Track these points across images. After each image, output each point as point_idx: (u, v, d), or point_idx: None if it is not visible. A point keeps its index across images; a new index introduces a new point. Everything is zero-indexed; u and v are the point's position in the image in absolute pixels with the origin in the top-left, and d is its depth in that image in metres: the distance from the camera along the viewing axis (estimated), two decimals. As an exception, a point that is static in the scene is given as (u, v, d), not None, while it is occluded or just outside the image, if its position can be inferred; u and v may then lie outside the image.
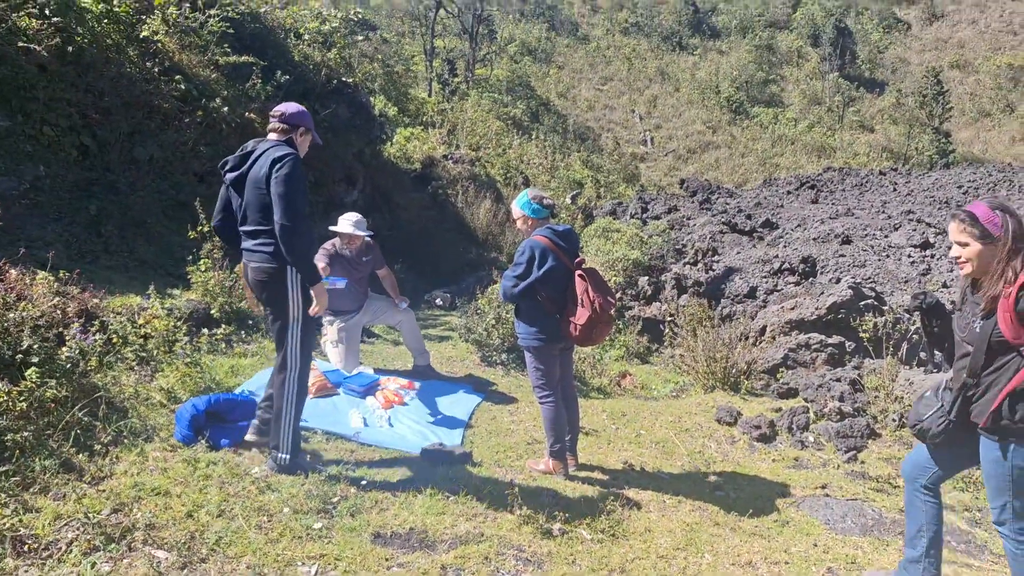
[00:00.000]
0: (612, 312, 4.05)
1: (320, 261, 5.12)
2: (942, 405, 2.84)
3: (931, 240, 11.21)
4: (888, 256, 10.73)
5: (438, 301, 9.21)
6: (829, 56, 42.79)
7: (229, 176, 3.48)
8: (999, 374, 2.62)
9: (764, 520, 4.16)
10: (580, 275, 3.98)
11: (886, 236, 11.87)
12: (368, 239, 5.66)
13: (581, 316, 3.88)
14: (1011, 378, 2.57)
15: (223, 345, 4.95)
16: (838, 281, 9.25)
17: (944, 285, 9.53)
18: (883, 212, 14.25)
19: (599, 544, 3.45)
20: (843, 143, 36.40)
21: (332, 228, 5.54)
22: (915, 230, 11.73)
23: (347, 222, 5.47)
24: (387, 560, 2.87)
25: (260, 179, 3.31)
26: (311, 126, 3.62)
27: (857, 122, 39.21)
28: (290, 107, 3.55)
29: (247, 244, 3.47)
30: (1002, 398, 2.57)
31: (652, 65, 43.95)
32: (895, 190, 17.68)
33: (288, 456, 3.45)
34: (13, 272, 3.99)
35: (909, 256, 10.61)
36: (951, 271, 10.20)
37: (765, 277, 9.89)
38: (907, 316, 7.09)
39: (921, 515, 3.05)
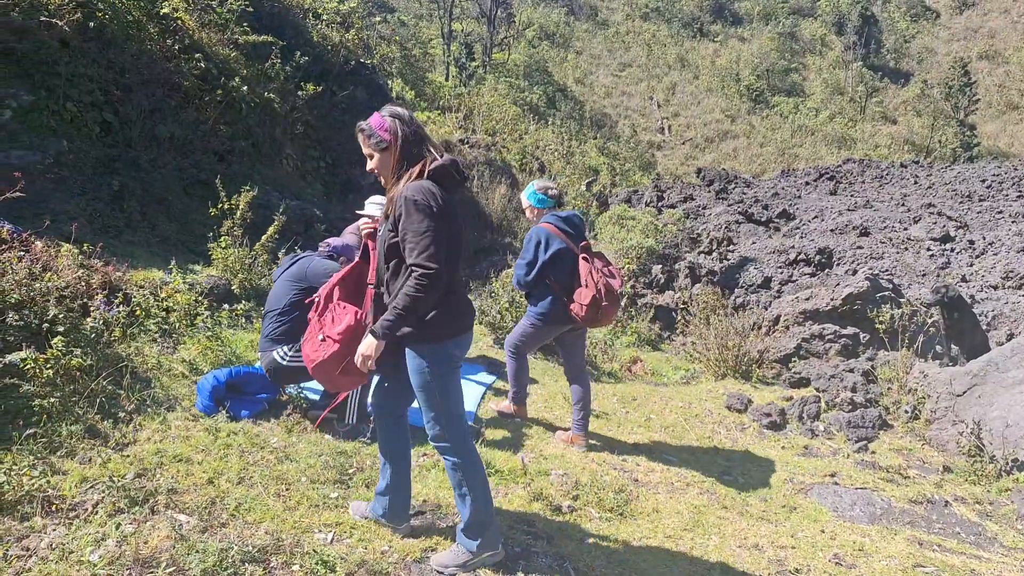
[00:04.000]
0: (618, 293, 4.16)
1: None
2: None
3: (951, 234, 11.07)
4: (907, 249, 10.62)
5: (452, 284, 9.26)
6: (853, 45, 42.05)
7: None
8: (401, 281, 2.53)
9: (772, 505, 4.20)
10: (584, 257, 4.18)
11: (905, 229, 11.74)
12: None
13: (585, 296, 4.05)
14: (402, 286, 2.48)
15: (243, 320, 5.04)
16: (855, 273, 9.20)
17: (963, 279, 9.44)
18: (903, 205, 14.09)
19: (607, 522, 3.50)
20: (864, 134, 35.90)
21: (359, 212, 5.60)
22: (935, 223, 11.58)
23: (374, 205, 5.52)
24: (399, 530, 2.94)
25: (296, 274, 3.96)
26: (351, 257, 4.14)
27: (880, 113, 38.60)
28: (337, 241, 4.27)
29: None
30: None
31: (672, 52, 43.44)
32: (916, 183, 17.44)
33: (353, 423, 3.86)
34: (39, 244, 4.07)
35: (928, 249, 10.50)
36: (971, 265, 10.09)
37: (780, 267, 9.85)
38: (924, 309, 7.05)
39: (390, 442, 2.87)
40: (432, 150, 2.62)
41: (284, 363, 3.71)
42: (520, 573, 2.80)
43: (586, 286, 4.07)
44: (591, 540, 3.26)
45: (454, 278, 2.62)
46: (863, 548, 3.70)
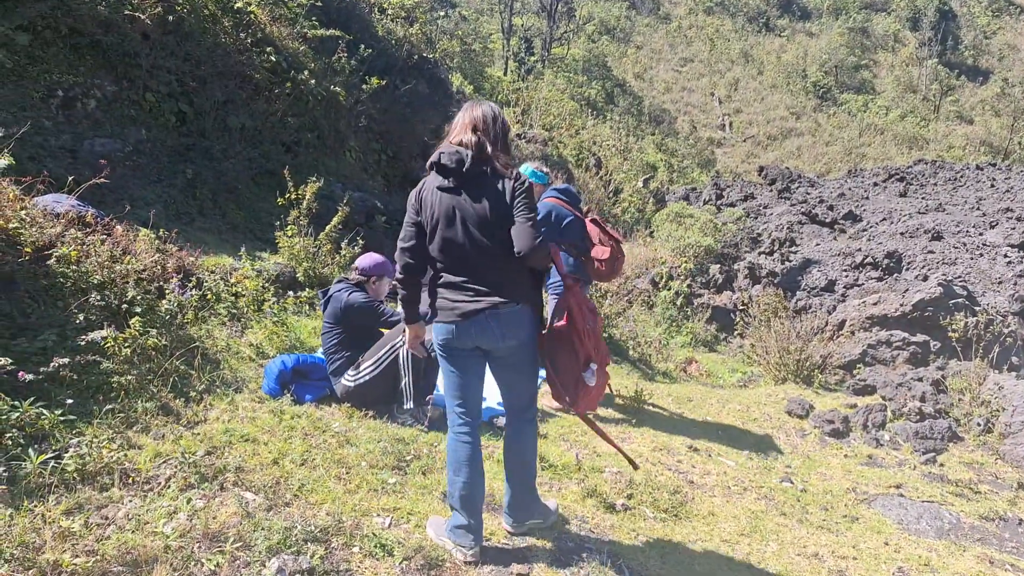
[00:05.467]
0: (623, 246, 4.69)
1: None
2: None
3: (1032, 240, 10.44)
4: (982, 255, 10.08)
5: (506, 278, 9.28)
6: (929, 41, 40.02)
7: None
8: None
9: (833, 514, 4.07)
10: (592, 220, 4.64)
11: (980, 234, 11.14)
12: None
13: (603, 252, 4.51)
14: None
15: (307, 307, 5.17)
16: (926, 278, 8.80)
17: (1044, 288, 8.89)
18: (978, 209, 13.36)
19: (662, 523, 3.46)
20: (938, 135, 34.23)
21: None
22: (1014, 229, 10.95)
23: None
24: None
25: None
26: (382, 273, 4.18)
27: (955, 112, 36.67)
28: (365, 260, 4.19)
29: None
30: None
31: (736, 47, 42.32)
32: (993, 186, 16.50)
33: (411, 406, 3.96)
34: (119, 228, 4.26)
35: (1005, 256, 9.93)
36: (1053, 274, 9.48)
37: (845, 270, 9.51)
38: (1002, 318, 6.70)
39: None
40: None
41: (352, 385, 3.87)
42: (574, 568, 2.80)
43: (601, 243, 4.53)
44: (645, 540, 3.22)
45: (452, 264, 2.63)
46: (929, 563, 3.55)
